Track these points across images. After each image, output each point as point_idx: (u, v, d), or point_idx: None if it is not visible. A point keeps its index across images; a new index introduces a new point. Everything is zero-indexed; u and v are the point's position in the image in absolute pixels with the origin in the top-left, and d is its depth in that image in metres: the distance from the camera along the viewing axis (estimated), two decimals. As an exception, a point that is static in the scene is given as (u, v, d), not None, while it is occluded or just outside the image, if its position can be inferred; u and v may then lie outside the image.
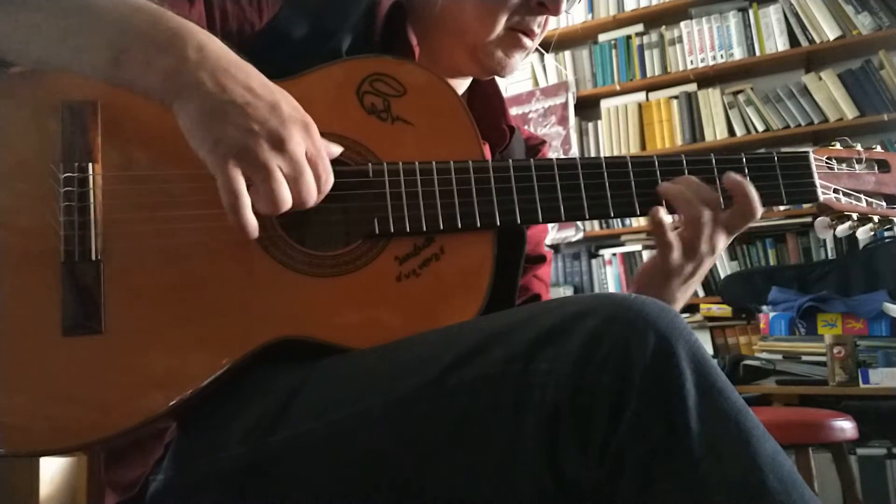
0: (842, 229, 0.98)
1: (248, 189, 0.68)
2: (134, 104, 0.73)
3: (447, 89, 0.87)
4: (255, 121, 0.68)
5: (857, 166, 0.98)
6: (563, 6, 0.90)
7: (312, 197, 0.71)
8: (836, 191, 0.95)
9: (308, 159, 0.70)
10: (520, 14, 0.90)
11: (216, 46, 0.70)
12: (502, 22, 0.90)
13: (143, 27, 0.70)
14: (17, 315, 0.72)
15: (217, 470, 0.73)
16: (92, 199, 0.73)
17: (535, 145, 1.11)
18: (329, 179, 0.73)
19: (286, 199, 0.69)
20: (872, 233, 0.99)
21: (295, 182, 0.69)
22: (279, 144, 0.68)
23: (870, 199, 0.97)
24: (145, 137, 0.76)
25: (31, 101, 0.76)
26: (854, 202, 0.96)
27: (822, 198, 0.93)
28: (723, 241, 0.88)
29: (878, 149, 1.01)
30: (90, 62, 0.71)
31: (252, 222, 0.69)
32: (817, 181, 0.93)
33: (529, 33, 0.93)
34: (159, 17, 0.70)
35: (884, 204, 0.98)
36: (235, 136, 0.67)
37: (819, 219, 0.96)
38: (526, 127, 2.23)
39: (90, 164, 0.74)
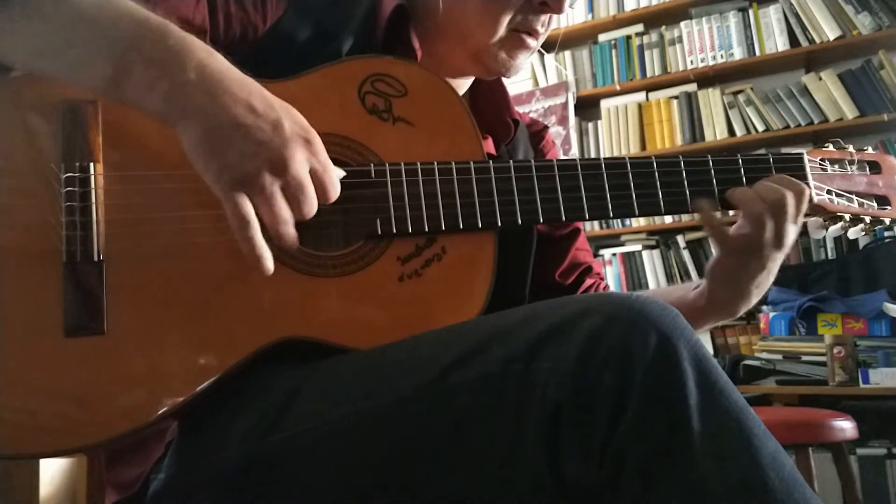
0: (834, 230, 0.98)
1: (256, 212, 0.69)
2: None
3: (448, 89, 0.87)
4: (257, 143, 0.67)
5: (849, 167, 1.00)
6: (566, 4, 0.90)
7: (312, 212, 0.71)
8: (829, 192, 0.96)
9: (313, 175, 0.70)
10: (522, 14, 0.90)
11: (217, 65, 0.70)
12: (505, 23, 0.89)
13: (145, 46, 0.69)
14: (19, 316, 0.72)
15: (217, 469, 0.73)
16: (93, 199, 0.73)
17: (538, 131, 1.12)
18: (335, 192, 0.73)
19: (289, 220, 0.70)
20: (864, 233, 1.00)
21: (297, 201, 0.70)
22: (282, 165, 0.68)
23: (861, 200, 0.98)
24: (146, 137, 0.76)
25: (31, 101, 0.76)
26: (846, 203, 0.97)
27: (815, 199, 0.94)
28: (792, 233, 0.88)
29: (870, 150, 1.03)
30: (90, 80, 0.71)
31: (264, 250, 0.70)
32: (811, 182, 0.94)
33: (533, 33, 0.92)
34: (161, 35, 0.69)
35: (875, 205, 0.99)
36: (238, 164, 0.67)
37: (812, 219, 0.97)
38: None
39: (91, 164, 0.74)
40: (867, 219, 0.98)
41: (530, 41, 0.93)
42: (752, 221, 0.86)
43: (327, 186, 0.72)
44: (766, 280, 0.92)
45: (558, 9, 0.90)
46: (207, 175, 0.68)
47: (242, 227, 0.68)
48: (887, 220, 0.99)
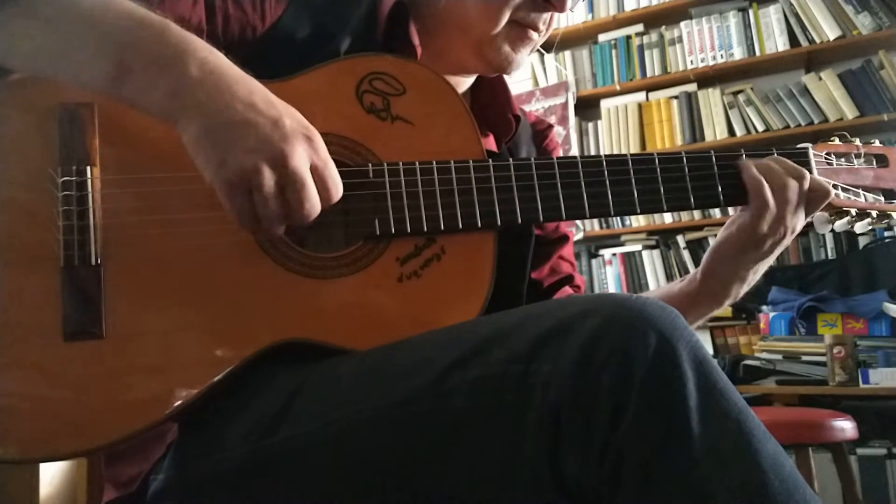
0: (840, 224, 0.97)
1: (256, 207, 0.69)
2: None
3: (447, 87, 0.86)
4: (258, 139, 0.67)
5: (855, 161, 0.98)
6: (569, 3, 0.90)
7: (315, 211, 0.71)
8: (834, 186, 0.95)
9: (314, 172, 0.70)
10: (525, 10, 0.90)
11: (219, 63, 0.70)
12: (506, 15, 0.89)
13: (146, 45, 0.69)
14: (18, 321, 0.71)
15: (217, 470, 0.73)
16: (91, 203, 0.73)
17: (542, 129, 1.11)
18: (338, 189, 0.73)
19: (290, 217, 0.70)
20: (871, 227, 0.99)
21: (298, 198, 0.69)
22: (282, 162, 0.68)
23: (868, 194, 0.97)
24: (143, 139, 0.76)
25: (28, 105, 0.75)
26: (853, 197, 0.96)
27: None
28: (799, 220, 0.89)
29: (877, 143, 1.01)
30: (91, 79, 0.71)
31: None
32: (817, 177, 0.93)
33: (534, 28, 0.92)
34: (162, 33, 0.69)
35: (882, 198, 0.98)
36: (238, 159, 0.67)
37: (818, 214, 0.96)
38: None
39: (88, 168, 0.74)
40: (874, 213, 0.97)
41: (533, 34, 0.92)
42: (759, 206, 0.87)
43: (328, 183, 0.71)
44: (764, 266, 0.93)
45: (560, 7, 0.90)
46: (207, 171, 0.68)
47: (242, 223, 0.69)
48: (895, 214, 0.98)
